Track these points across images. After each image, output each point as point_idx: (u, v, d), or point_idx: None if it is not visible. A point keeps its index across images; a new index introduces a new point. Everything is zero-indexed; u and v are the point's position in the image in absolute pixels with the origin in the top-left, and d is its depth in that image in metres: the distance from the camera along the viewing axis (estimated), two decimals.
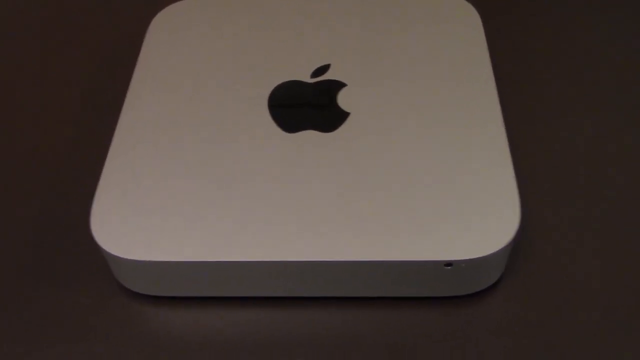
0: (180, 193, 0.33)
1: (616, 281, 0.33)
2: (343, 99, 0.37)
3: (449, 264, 0.30)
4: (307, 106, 0.37)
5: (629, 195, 0.37)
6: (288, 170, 0.33)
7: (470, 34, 0.40)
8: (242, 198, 0.32)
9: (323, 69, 0.39)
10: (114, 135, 0.36)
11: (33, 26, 0.49)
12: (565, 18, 0.48)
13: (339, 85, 0.38)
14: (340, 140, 0.35)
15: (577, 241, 0.35)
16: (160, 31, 0.42)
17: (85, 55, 0.46)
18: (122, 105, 0.37)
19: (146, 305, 0.33)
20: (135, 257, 0.31)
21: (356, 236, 0.31)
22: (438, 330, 0.32)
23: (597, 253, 0.34)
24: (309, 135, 0.35)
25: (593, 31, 0.47)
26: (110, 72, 0.44)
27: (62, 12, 0.50)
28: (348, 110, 0.36)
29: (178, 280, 0.32)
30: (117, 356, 0.31)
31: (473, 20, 0.41)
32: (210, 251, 0.31)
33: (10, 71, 0.46)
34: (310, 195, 0.32)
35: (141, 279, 0.32)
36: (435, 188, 0.32)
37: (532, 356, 0.31)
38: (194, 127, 0.36)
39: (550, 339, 0.31)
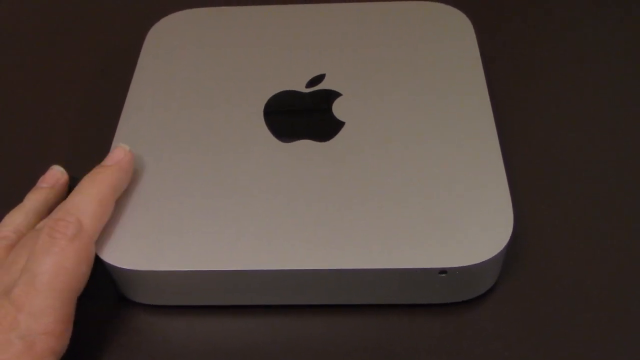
0: (177, 203, 0.33)
1: (610, 285, 0.34)
2: (338, 109, 0.37)
3: (443, 271, 0.30)
4: (302, 116, 0.37)
5: (622, 202, 0.37)
6: (284, 179, 0.34)
7: (462, 42, 0.41)
8: (238, 208, 0.33)
9: (318, 79, 0.39)
10: (111, 145, 0.36)
11: (33, 35, 0.49)
12: (557, 24, 0.48)
13: (334, 94, 0.38)
14: (336, 149, 0.35)
15: (571, 247, 0.35)
16: (158, 41, 0.42)
17: (82, 64, 0.47)
18: (119, 115, 0.37)
19: (145, 315, 0.33)
20: (133, 268, 0.31)
21: (352, 244, 0.31)
22: (434, 337, 0.32)
23: (590, 258, 0.35)
24: (305, 145, 0.35)
25: (586, 37, 0.47)
26: (107, 81, 0.45)
27: (61, 22, 0.50)
28: (343, 120, 0.37)
29: (175, 290, 0.32)
30: None
31: (465, 28, 0.41)
32: (207, 261, 0.31)
33: (10, 77, 0.46)
34: (306, 204, 0.33)
35: (140, 289, 0.33)
36: (430, 197, 0.33)
37: None
38: (190, 136, 0.36)
39: (546, 344, 0.32)
